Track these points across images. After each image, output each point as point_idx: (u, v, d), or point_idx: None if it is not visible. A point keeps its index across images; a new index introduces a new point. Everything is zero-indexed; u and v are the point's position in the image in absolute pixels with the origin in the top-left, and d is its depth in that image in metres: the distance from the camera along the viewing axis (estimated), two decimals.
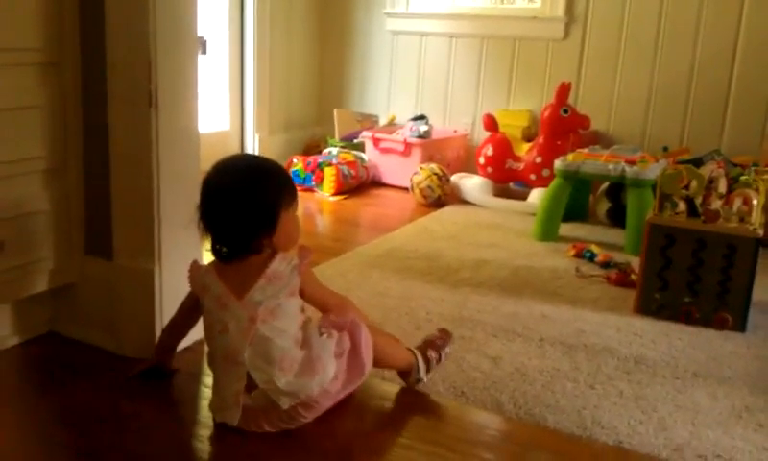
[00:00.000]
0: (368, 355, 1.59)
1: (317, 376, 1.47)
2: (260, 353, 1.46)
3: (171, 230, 1.75)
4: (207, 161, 4.41)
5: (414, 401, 1.63)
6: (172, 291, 1.77)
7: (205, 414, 1.56)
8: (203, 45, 2.86)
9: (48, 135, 1.74)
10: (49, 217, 1.78)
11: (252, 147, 4.30)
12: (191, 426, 1.54)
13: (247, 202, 1.44)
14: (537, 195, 3.49)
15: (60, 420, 1.52)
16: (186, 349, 1.82)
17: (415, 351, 1.73)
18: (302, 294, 1.53)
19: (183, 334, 1.71)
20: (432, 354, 1.76)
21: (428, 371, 1.74)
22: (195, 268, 1.55)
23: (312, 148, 4.51)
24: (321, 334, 1.53)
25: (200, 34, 2.99)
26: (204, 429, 1.52)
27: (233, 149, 4.29)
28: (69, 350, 1.82)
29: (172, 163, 1.73)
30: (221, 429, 1.49)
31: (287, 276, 1.47)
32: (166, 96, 1.68)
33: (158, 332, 1.75)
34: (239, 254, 1.48)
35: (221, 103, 4.21)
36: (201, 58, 3.33)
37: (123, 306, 1.78)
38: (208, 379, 1.71)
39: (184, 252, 1.79)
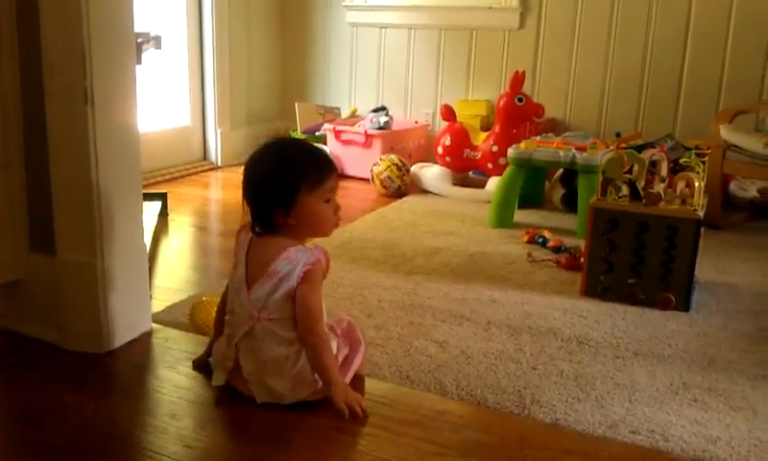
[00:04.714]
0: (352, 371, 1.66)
1: (299, 388, 1.54)
2: (250, 348, 1.53)
3: (112, 225, 1.77)
4: (168, 156, 4.40)
5: (353, 386, 1.66)
6: (114, 284, 1.79)
7: (152, 404, 1.58)
8: (156, 41, 2.84)
9: None
10: None
11: (215, 142, 4.31)
12: (136, 417, 1.55)
13: (265, 175, 1.53)
14: (494, 183, 3.53)
15: (9, 414, 1.54)
16: (134, 340, 1.85)
17: None
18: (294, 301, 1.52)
19: None
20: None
21: None
22: (242, 235, 1.61)
23: None
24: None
25: (154, 30, 2.99)
26: (151, 419, 1.54)
27: (195, 144, 4.30)
28: (17, 344, 1.83)
29: (111, 159, 1.74)
30: (167, 419, 1.52)
31: (285, 276, 1.51)
32: (102, 93, 1.70)
33: (103, 324, 1.77)
34: (262, 229, 1.56)
35: (181, 98, 4.21)
36: (156, 54, 3.32)
37: (67, 300, 1.79)
38: (157, 370, 1.74)
39: (125, 245, 1.82)
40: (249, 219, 1.58)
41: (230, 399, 1.59)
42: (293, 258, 1.52)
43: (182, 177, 4.01)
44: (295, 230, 1.55)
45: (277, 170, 1.52)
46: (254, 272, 1.55)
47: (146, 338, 1.86)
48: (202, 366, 1.72)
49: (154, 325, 1.94)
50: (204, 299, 1.98)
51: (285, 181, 1.52)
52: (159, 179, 3.83)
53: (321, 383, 1.54)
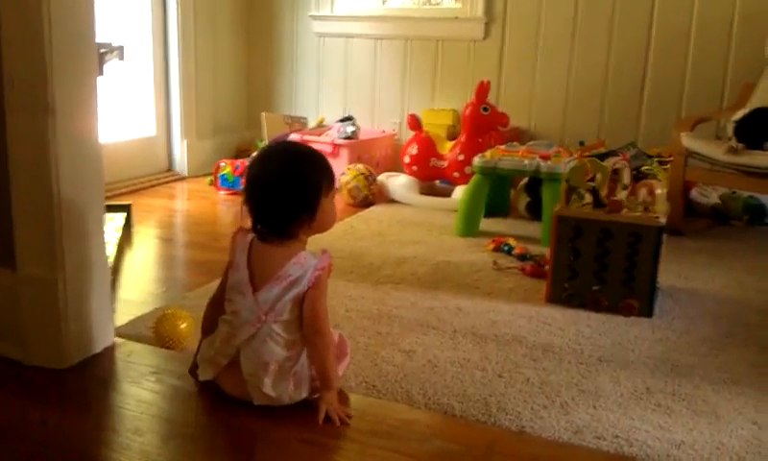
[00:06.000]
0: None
1: (297, 389, 1.56)
2: (253, 349, 1.55)
3: (73, 239, 1.74)
4: (133, 167, 4.34)
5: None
6: (76, 298, 1.76)
7: (115, 420, 1.56)
8: (119, 52, 2.82)
9: None
10: None
11: (180, 152, 4.27)
12: (98, 432, 1.53)
13: (292, 187, 1.53)
14: (460, 192, 3.55)
15: None
16: (96, 355, 1.82)
17: None
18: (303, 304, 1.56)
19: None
20: None
21: None
22: (240, 237, 1.61)
23: (243, 152, 4.51)
24: None
25: (117, 41, 2.96)
26: (114, 434, 1.51)
27: (161, 154, 4.26)
28: None
29: (72, 171, 1.72)
30: (130, 435, 1.50)
31: (296, 280, 1.54)
32: (63, 104, 1.67)
33: (65, 339, 1.74)
34: (278, 236, 1.56)
35: (146, 108, 4.17)
36: (120, 64, 3.30)
37: (28, 315, 1.76)
38: (120, 385, 1.72)
39: (88, 258, 1.79)
40: (249, 222, 1.59)
41: (198, 410, 1.58)
42: (303, 263, 1.55)
43: (147, 188, 3.97)
44: (313, 231, 1.59)
45: (301, 175, 1.54)
46: (262, 275, 1.56)
47: (109, 352, 1.83)
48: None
49: (117, 339, 1.91)
50: (168, 312, 1.96)
51: (312, 187, 1.55)
52: (124, 190, 3.79)
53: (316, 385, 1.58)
